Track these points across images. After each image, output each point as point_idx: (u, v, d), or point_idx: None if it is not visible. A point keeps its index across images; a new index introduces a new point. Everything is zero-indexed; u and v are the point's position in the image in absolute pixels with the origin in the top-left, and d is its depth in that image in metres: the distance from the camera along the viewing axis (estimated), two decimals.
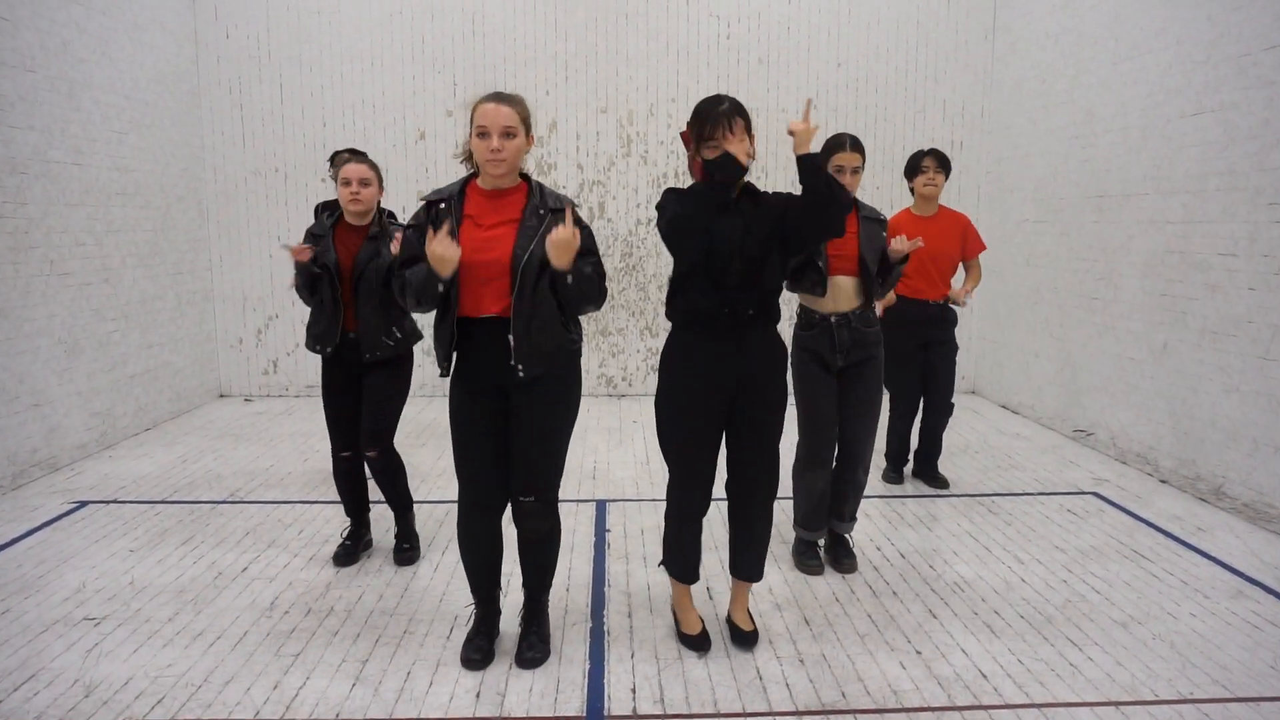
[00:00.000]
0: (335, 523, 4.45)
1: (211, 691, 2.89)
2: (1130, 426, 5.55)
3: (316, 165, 7.35)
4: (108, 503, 4.77)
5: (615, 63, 7.42)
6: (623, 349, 7.76)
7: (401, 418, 7.07)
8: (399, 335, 3.82)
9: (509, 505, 3.04)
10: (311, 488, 5.04)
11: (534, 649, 3.07)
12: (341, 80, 7.33)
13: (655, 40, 7.40)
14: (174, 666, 3.04)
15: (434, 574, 3.84)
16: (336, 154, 4.60)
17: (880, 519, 4.56)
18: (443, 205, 2.89)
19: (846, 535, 3.98)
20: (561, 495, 4.13)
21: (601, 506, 4.73)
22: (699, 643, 3.15)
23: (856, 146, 3.68)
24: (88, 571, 3.85)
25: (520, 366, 2.84)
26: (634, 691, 2.90)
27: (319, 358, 4.76)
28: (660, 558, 3.27)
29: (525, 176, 2.97)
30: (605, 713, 2.77)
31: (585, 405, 7.34)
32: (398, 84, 7.35)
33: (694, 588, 3.52)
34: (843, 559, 3.91)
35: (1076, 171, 6.12)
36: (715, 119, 2.82)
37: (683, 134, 2.95)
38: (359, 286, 3.73)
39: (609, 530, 4.37)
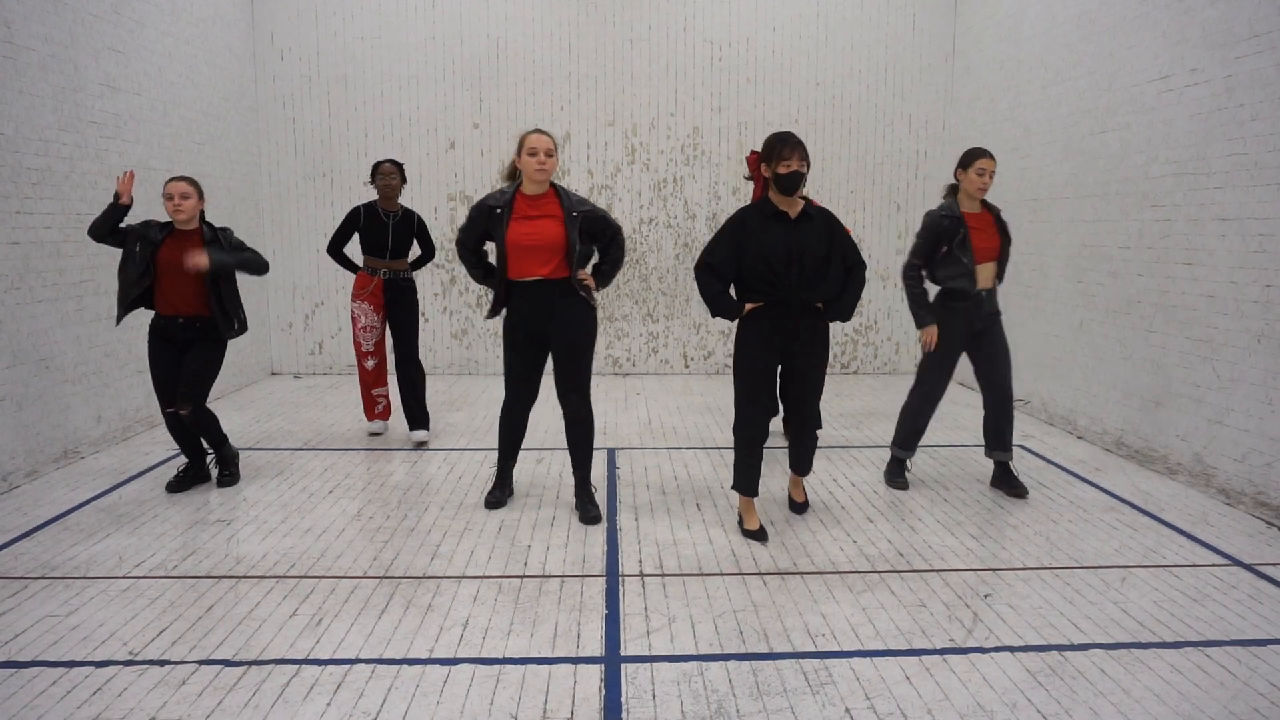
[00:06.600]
0: (396, 461, 5.49)
1: (329, 561, 3.92)
2: (1056, 393, 6.58)
3: (360, 171, 8.39)
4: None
5: (621, 82, 8.47)
6: (627, 333, 8.79)
7: (439, 390, 8.07)
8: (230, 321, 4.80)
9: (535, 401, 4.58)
10: (368, 440, 6.07)
11: (591, 509, 4.44)
12: (382, 97, 8.38)
13: (656, 62, 8.45)
14: (295, 548, 4.07)
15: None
16: (378, 164, 5.80)
17: (841, 463, 5.59)
18: (498, 210, 4.19)
19: (1010, 462, 4.99)
20: None
21: (612, 454, 5.76)
22: (760, 535, 4.21)
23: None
24: (206, 493, 4.88)
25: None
26: (640, 562, 3.93)
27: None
28: (731, 482, 4.44)
29: (552, 184, 4.28)
30: (620, 572, 3.80)
31: (595, 382, 8.36)
32: (431, 100, 8.40)
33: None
34: (1016, 485, 4.90)
35: (1016, 179, 7.16)
36: (793, 144, 3.91)
37: (749, 157, 4.02)
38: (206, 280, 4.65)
39: (618, 468, 5.40)
